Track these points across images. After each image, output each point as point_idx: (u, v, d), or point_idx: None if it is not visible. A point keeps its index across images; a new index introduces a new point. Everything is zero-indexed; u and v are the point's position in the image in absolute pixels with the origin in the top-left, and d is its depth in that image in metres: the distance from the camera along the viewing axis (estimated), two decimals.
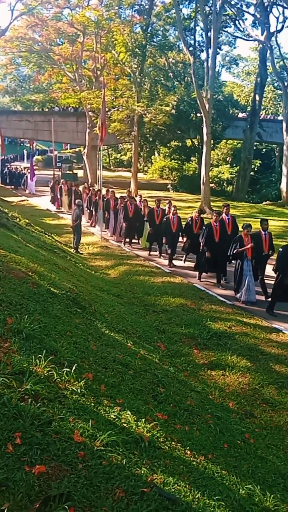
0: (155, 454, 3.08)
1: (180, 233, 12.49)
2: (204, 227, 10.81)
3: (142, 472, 2.74)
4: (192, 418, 4.25)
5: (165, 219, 12.52)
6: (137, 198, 16.24)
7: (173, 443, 3.40)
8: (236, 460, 3.82)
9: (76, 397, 3.26)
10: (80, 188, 20.68)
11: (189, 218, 12.48)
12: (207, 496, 2.87)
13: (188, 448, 3.46)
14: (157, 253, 13.47)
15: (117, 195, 16.51)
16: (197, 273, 11.19)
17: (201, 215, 12.61)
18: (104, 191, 17.36)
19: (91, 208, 18.24)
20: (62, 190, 22.30)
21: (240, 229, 10.07)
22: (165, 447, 3.27)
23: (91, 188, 19.53)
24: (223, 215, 10.91)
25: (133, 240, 14.91)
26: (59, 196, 22.80)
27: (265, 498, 3.25)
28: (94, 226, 17.87)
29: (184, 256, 12.59)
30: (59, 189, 22.72)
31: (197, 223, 12.06)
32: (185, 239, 12.59)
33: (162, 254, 13.28)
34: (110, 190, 17.64)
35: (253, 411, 5.33)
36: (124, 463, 2.75)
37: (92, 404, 3.31)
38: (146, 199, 15.52)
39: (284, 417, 5.29)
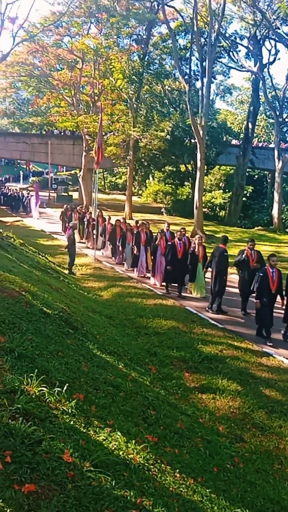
0: (145, 476, 3.08)
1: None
2: None
3: (131, 494, 2.74)
4: (182, 441, 4.25)
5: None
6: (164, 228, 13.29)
7: (162, 465, 3.39)
8: (225, 484, 3.82)
9: (66, 417, 3.27)
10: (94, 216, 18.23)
11: (244, 254, 10.15)
12: None
13: (177, 471, 3.45)
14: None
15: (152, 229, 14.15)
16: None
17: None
18: (134, 223, 15.56)
19: (117, 242, 15.72)
20: (72, 218, 20.82)
21: None
22: (155, 469, 3.26)
23: (106, 217, 17.80)
24: None
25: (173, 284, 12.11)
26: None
27: None
28: (116, 260, 15.90)
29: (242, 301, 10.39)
30: (69, 216, 21.43)
31: (254, 257, 10.07)
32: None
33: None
34: (141, 222, 15.01)
35: (243, 435, 5.32)
36: (113, 484, 2.75)
37: (83, 425, 3.31)
38: (201, 236, 12.82)
39: (274, 441, 5.28)
